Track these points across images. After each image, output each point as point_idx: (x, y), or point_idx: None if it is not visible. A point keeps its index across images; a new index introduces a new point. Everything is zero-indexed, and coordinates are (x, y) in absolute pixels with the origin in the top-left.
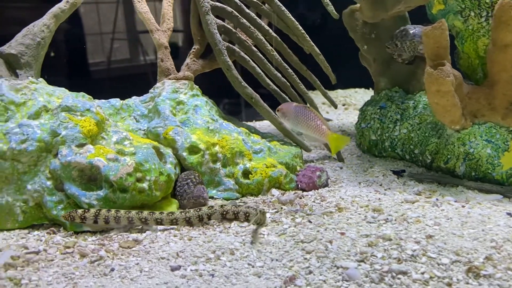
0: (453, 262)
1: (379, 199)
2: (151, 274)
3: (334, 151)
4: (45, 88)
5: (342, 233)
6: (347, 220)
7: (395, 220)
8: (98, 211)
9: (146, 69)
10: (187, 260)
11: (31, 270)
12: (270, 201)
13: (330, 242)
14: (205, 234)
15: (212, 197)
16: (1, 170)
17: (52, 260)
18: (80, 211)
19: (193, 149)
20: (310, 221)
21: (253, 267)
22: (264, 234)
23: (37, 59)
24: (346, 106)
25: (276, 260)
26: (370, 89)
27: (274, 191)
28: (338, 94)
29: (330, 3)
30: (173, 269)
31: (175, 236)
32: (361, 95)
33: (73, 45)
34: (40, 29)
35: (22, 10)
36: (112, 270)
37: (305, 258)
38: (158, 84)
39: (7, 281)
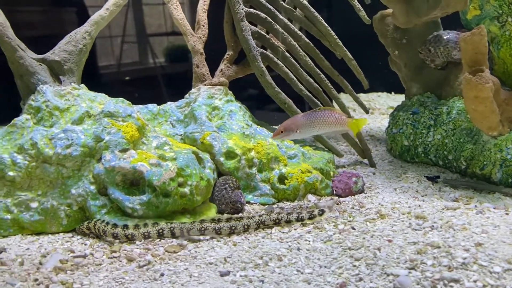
0: (505, 270)
1: (419, 206)
2: (201, 279)
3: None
4: (87, 94)
5: (390, 240)
6: (392, 227)
7: (441, 227)
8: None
9: (155, 72)
10: (235, 266)
11: (82, 274)
12: (307, 207)
13: (379, 249)
14: (248, 239)
15: (248, 202)
16: (46, 175)
17: (100, 264)
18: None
19: (230, 154)
20: (353, 228)
21: (302, 273)
22: (309, 241)
23: (79, 66)
24: (371, 111)
25: (325, 267)
26: (393, 93)
27: (310, 197)
28: (361, 99)
29: (362, 9)
30: (223, 274)
31: (218, 241)
32: (384, 99)
33: None
34: (82, 36)
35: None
36: (162, 275)
37: (354, 265)
38: (193, 90)
39: (59, 285)
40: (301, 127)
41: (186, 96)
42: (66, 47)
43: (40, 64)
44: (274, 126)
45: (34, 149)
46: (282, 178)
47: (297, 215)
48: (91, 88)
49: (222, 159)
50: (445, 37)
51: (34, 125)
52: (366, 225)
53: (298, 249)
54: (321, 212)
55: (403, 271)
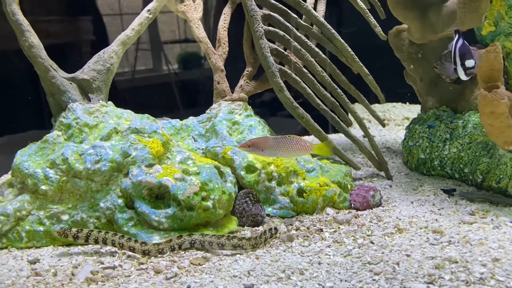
0: None
1: (436, 220)
2: None
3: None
4: (114, 111)
5: (408, 255)
6: (410, 241)
7: (458, 242)
8: (90, 232)
9: (169, 79)
10: (259, 279)
11: (112, 285)
12: (326, 220)
13: (397, 264)
14: (270, 253)
15: (268, 215)
16: (76, 188)
17: (129, 276)
18: (74, 230)
19: (250, 168)
20: (372, 242)
21: (323, 287)
22: (329, 255)
23: (107, 84)
24: (386, 122)
25: (345, 280)
26: (407, 103)
27: (329, 210)
28: (376, 109)
29: (377, 25)
30: (247, 287)
31: (240, 254)
32: (399, 110)
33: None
34: (110, 55)
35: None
36: (189, 287)
37: (374, 279)
38: (214, 105)
39: None
40: (267, 148)
41: (207, 111)
42: (95, 66)
43: (71, 83)
44: None
45: (65, 164)
46: (301, 192)
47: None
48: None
49: (242, 173)
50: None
51: (65, 141)
52: (385, 239)
53: (319, 263)
54: (275, 231)
55: (421, 285)
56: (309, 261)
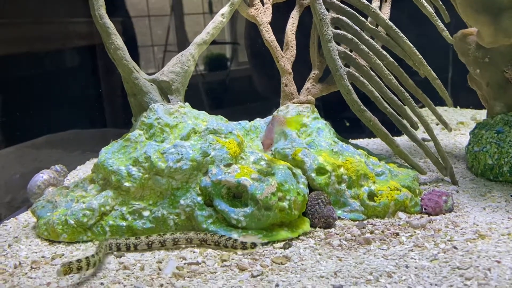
0: None
1: None
2: None
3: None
4: (191, 111)
5: (498, 261)
6: (495, 248)
7: None
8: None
9: (196, 80)
10: (347, 280)
11: (201, 282)
12: (399, 224)
13: (489, 269)
14: (350, 255)
15: (338, 217)
16: (157, 186)
17: (215, 272)
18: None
19: (321, 171)
20: (455, 247)
21: None
22: (415, 259)
23: (184, 85)
24: (442, 126)
25: (436, 285)
26: (458, 107)
27: (401, 214)
28: (428, 113)
29: (445, 29)
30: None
31: (320, 255)
32: (452, 114)
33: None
34: (187, 58)
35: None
36: (277, 285)
37: (466, 285)
38: (282, 108)
39: None
40: (274, 134)
41: (274, 113)
42: (174, 68)
43: (151, 84)
44: (353, 140)
45: (147, 162)
46: (371, 195)
47: (232, 242)
48: None
49: (313, 175)
50: None
51: (147, 140)
52: (468, 244)
53: (406, 266)
54: (253, 245)
55: None
56: (395, 264)
